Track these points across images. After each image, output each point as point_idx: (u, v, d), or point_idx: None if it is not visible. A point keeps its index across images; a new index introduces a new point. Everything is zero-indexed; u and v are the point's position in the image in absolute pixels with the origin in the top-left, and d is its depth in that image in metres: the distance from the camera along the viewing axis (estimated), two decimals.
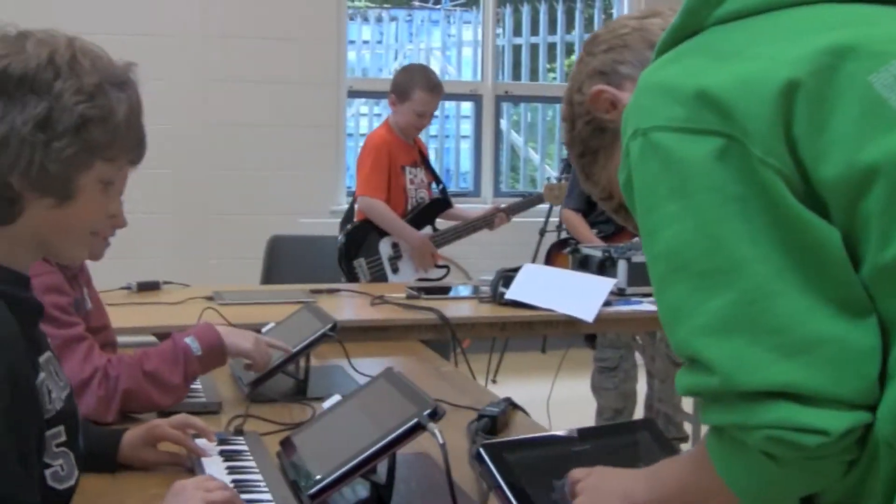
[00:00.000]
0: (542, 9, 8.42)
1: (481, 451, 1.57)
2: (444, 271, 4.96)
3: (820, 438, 1.00)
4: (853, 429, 1.01)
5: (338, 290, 3.98)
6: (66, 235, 1.53)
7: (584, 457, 1.64)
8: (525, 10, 8.49)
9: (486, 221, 5.00)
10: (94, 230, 1.57)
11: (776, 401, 1.02)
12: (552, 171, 7.95)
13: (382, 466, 1.89)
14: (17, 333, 1.42)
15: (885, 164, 1.03)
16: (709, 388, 1.07)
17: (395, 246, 4.84)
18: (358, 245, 4.82)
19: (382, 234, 4.82)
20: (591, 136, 1.46)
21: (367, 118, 8.91)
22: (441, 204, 5.03)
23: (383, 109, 8.95)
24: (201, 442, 2.04)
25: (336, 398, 2.17)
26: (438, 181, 5.08)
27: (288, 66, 6.43)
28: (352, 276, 4.77)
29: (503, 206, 5.08)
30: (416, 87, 4.79)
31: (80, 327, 2.25)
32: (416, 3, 9.54)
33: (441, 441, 1.72)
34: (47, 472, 1.50)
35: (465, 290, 4.03)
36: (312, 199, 6.49)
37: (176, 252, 6.19)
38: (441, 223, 5.03)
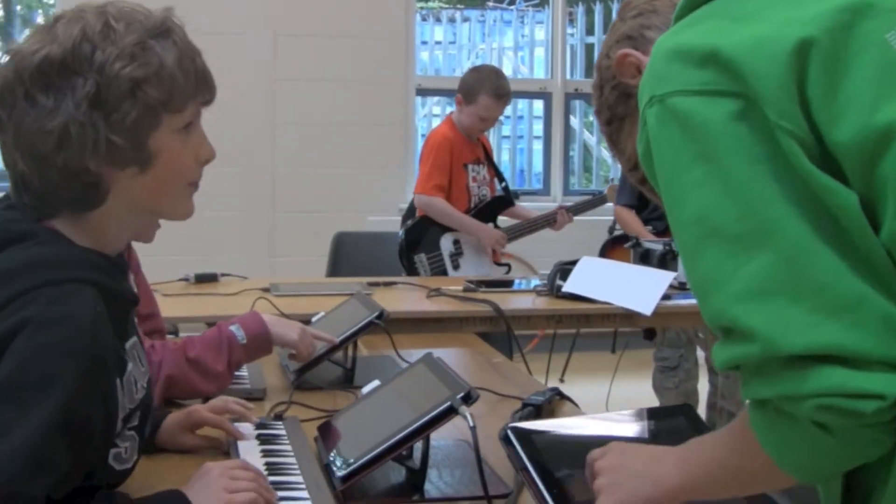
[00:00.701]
0: (615, 7, 8.34)
1: (508, 432, 1.53)
2: (505, 269, 4.93)
3: (877, 403, 0.94)
4: None
5: (395, 283, 3.97)
6: (164, 196, 1.52)
7: (616, 439, 1.59)
8: (598, 9, 8.42)
9: (549, 220, 4.95)
10: (190, 181, 1.56)
11: (824, 365, 0.96)
12: None
13: (418, 451, 1.86)
14: (107, 329, 1.41)
15: None
16: (750, 357, 1.01)
17: (456, 243, 4.81)
18: (418, 240, 4.81)
19: (444, 230, 4.80)
20: (616, 101, 1.43)
21: (439, 119, 8.90)
22: (503, 201, 4.98)
23: None
24: (241, 426, 2.03)
25: (375, 383, 2.15)
26: (501, 178, 5.04)
27: (356, 65, 6.44)
28: (412, 272, 4.76)
29: (567, 205, 5.03)
30: (483, 92, 4.73)
31: None
32: (490, 4, 9.53)
33: (471, 423, 1.69)
34: (112, 452, 1.49)
35: (524, 284, 3.98)
36: (381, 197, 6.49)
37: (243, 250, 6.22)
38: (503, 221, 4.98)
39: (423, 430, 1.75)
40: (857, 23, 1.02)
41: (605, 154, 8.56)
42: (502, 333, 3.63)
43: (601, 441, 1.59)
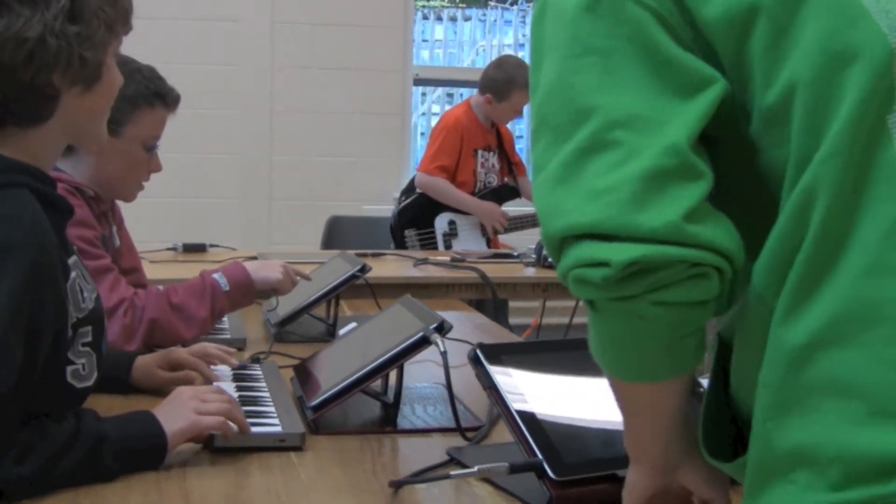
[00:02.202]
0: None
1: (477, 351, 1.52)
2: None
3: (603, 271, 0.93)
4: (645, 260, 0.92)
5: (383, 254, 3.97)
6: (95, 117, 1.56)
7: (582, 363, 1.59)
8: None
9: None
10: (111, 107, 1.59)
11: (581, 242, 0.95)
12: None
13: (392, 389, 1.86)
14: (48, 228, 1.43)
15: (766, 1, 0.96)
16: (545, 243, 1.01)
17: (451, 223, 4.80)
18: (413, 216, 4.80)
19: (441, 209, 4.78)
20: None
21: (437, 117, 8.91)
22: (509, 191, 4.97)
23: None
24: (219, 370, 2.03)
25: (352, 325, 2.16)
26: (510, 170, 5.02)
27: (354, 54, 6.43)
28: (401, 247, 4.75)
29: None
30: (516, 88, 4.70)
31: (107, 259, 2.25)
32: (492, 4, 9.54)
33: (442, 349, 1.70)
34: (69, 369, 1.50)
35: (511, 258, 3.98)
36: (377, 186, 6.47)
37: (240, 237, 6.20)
38: (521, 209, 4.98)
39: (396, 360, 1.75)
40: None
41: None
42: (491, 309, 3.63)
43: (567, 362, 1.60)
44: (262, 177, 6.32)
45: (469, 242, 4.76)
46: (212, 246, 3.93)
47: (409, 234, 4.79)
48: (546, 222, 0.99)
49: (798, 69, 0.93)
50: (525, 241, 5.01)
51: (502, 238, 4.95)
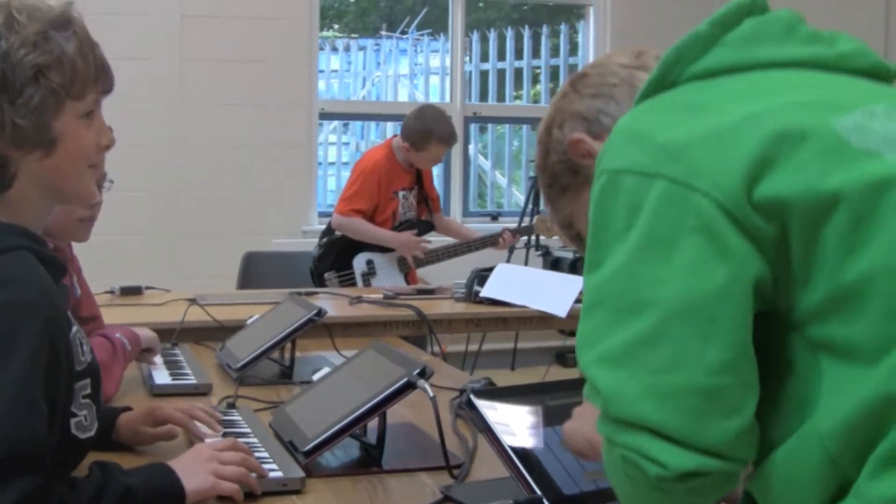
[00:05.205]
0: (509, 35, 8.56)
1: (471, 397, 1.66)
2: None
3: (658, 470, 1.08)
4: (697, 471, 1.08)
5: (315, 293, 4.07)
6: (67, 178, 1.60)
7: (566, 404, 1.74)
8: (492, 35, 8.63)
9: (492, 241, 5.01)
10: (91, 163, 1.64)
11: (639, 430, 1.10)
12: (520, 195, 8.06)
13: (373, 431, 1.98)
14: (52, 285, 1.51)
15: (848, 192, 1.07)
16: (596, 405, 1.15)
17: (369, 262, 4.90)
18: (331, 258, 4.89)
19: (358, 249, 4.89)
20: (563, 173, 1.54)
21: (335, 147, 9.00)
22: (425, 226, 5.09)
23: (351, 137, 9.04)
24: (202, 429, 2.05)
25: (325, 370, 2.27)
26: (428, 205, 5.13)
27: (260, 89, 6.51)
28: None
29: (510, 227, 5.12)
30: (433, 140, 4.81)
31: None
32: (384, 34, 9.66)
33: (431, 395, 1.83)
34: (72, 422, 1.57)
35: (440, 293, 4.11)
36: (285, 220, 6.55)
37: (150, 272, 6.19)
38: (443, 241, 5.11)
39: (384, 405, 1.87)
40: (809, 114, 1.12)
41: (500, 179, 8.76)
42: (418, 340, 3.75)
43: (551, 404, 1.74)
44: (169, 212, 6.35)
45: (387, 280, 4.86)
46: (147, 288, 3.99)
47: (329, 276, 4.88)
48: (608, 400, 1.12)
49: (880, 258, 1.05)
50: (439, 275, 5.16)
51: (420, 272, 5.07)
